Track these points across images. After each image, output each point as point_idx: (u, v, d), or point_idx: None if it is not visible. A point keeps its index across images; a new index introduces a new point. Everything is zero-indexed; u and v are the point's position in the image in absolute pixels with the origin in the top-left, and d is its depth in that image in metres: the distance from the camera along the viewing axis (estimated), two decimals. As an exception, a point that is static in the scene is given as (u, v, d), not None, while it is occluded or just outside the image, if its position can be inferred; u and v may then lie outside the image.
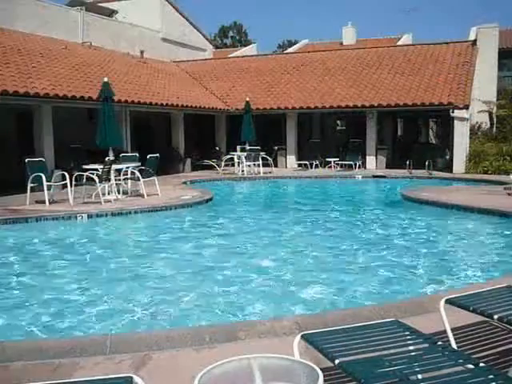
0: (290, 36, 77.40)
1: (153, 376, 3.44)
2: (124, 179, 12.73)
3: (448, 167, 18.60)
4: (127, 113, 17.97)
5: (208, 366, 2.30)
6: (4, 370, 3.60)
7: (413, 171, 17.90)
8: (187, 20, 29.65)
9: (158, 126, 22.40)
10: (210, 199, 12.63)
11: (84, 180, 11.51)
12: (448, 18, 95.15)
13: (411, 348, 2.88)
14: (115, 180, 12.29)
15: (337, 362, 2.65)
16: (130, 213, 10.71)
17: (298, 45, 37.16)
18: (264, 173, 18.68)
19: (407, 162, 18.06)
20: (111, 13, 26.45)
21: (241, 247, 8.35)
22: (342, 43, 32.54)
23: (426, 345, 2.90)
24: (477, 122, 20.87)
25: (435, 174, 17.63)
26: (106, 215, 10.38)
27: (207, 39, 32.91)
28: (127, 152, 15.80)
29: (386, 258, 7.40)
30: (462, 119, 18.08)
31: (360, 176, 18.02)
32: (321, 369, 2.28)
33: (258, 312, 5.26)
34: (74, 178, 11.52)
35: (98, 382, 2.49)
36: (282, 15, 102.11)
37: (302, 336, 2.99)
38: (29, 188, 11.16)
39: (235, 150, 20.15)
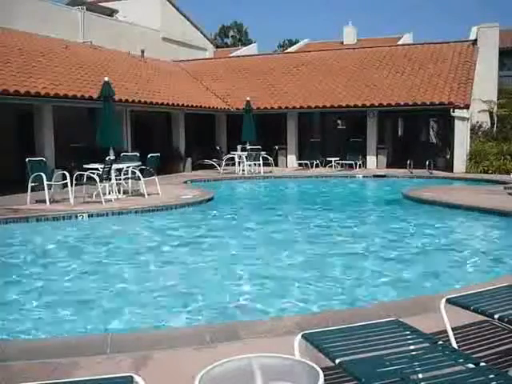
0: (290, 36, 77.37)
1: (153, 376, 3.44)
2: (125, 179, 12.73)
3: (448, 167, 18.59)
4: (128, 112, 17.99)
5: (208, 366, 2.30)
6: (4, 370, 3.60)
7: (413, 171, 17.90)
8: (188, 19, 29.65)
9: (159, 126, 22.41)
10: (211, 199, 12.63)
11: (84, 179, 11.51)
12: (448, 18, 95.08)
13: (412, 347, 2.88)
14: (116, 179, 12.29)
15: (337, 361, 2.64)
16: (130, 212, 10.71)
17: (298, 44, 37.13)
18: (264, 172, 18.67)
19: (408, 162, 18.05)
20: (112, 12, 26.47)
21: (242, 245, 8.34)
22: (342, 43, 32.52)
23: (427, 344, 2.90)
24: (477, 122, 20.85)
25: (436, 173, 17.63)
26: (107, 215, 10.38)
27: (208, 39, 32.90)
28: (128, 151, 15.80)
29: (386, 256, 7.40)
30: (463, 119, 18.07)
31: (361, 175, 18.02)
32: (321, 368, 2.28)
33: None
34: (74, 177, 11.52)
35: (98, 381, 2.49)
36: (282, 15, 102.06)
37: (303, 335, 2.98)
38: (29, 187, 11.15)
39: (236, 150, 20.15)
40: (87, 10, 22.99)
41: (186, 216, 11.09)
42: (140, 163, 13.12)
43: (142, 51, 23.70)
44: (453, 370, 2.58)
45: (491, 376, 2.49)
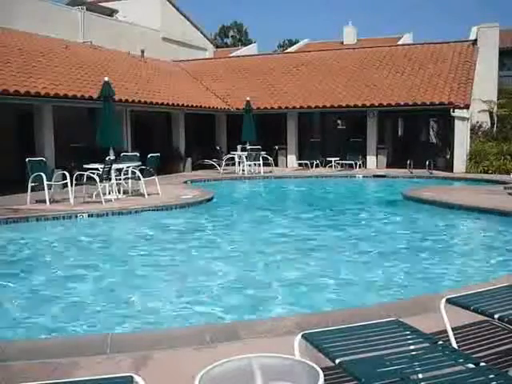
0: (290, 36, 77.41)
1: (153, 376, 3.44)
2: (125, 179, 12.73)
3: (448, 167, 18.59)
4: (128, 112, 17.99)
5: (208, 366, 2.30)
6: (4, 370, 3.60)
7: (413, 171, 17.90)
8: (188, 19, 29.65)
9: (159, 126, 22.40)
10: (211, 198, 12.63)
11: (84, 179, 11.51)
12: (448, 18, 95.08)
13: (412, 347, 2.87)
14: (116, 179, 12.29)
15: (337, 361, 2.64)
16: (130, 212, 10.71)
17: (298, 44, 37.12)
18: (264, 172, 18.67)
19: (408, 162, 18.05)
20: (111, 12, 26.47)
21: (243, 244, 8.34)
22: (342, 43, 32.52)
23: (427, 344, 2.90)
24: (477, 122, 20.85)
25: (436, 173, 17.63)
26: (107, 215, 10.38)
27: (208, 39, 32.90)
28: (128, 151, 15.80)
29: (385, 257, 7.40)
30: (463, 119, 18.07)
31: (360, 175, 18.02)
32: (321, 368, 2.28)
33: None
34: (74, 177, 11.52)
35: (98, 381, 2.49)
36: (282, 15, 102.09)
37: (303, 335, 2.98)
38: (29, 187, 11.15)
39: (236, 150, 20.15)
40: (87, 10, 22.99)
41: (186, 216, 11.08)
42: (140, 163, 13.12)
43: (142, 51, 23.70)
44: (453, 369, 2.58)
45: (491, 376, 2.49)
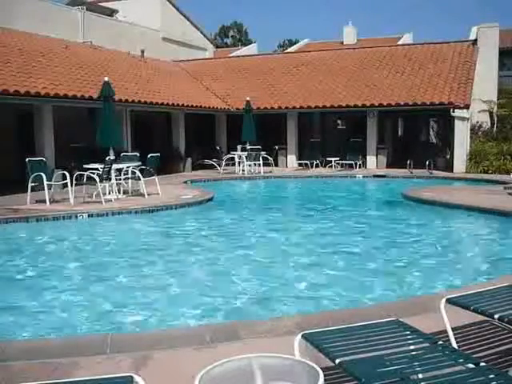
0: (290, 36, 77.48)
1: (153, 376, 3.44)
2: (125, 179, 12.73)
3: (448, 167, 18.59)
4: (128, 112, 17.99)
5: (208, 366, 2.30)
6: (4, 370, 3.60)
7: (413, 171, 17.90)
8: (188, 19, 29.66)
9: (159, 126, 22.40)
10: (211, 198, 12.63)
11: (84, 179, 11.51)
12: (448, 18, 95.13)
13: (412, 347, 2.87)
14: (116, 179, 12.29)
15: (337, 361, 2.64)
16: (130, 212, 10.71)
17: (298, 44, 37.14)
18: (264, 172, 18.67)
19: (408, 162, 18.05)
20: (112, 12, 26.47)
21: (243, 244, 8.34)
22: (342, 43, 32.53)
23: (427, 344, 2.90)
24: (477, 122, 20.85)
25: (436, 173, 17.63)
26: (107, 215, 10.38)
27: (208, 39, 32.91)
28: (128, 151, 15.80)
29: (387, 257, 7.40)
30: (463, 119, 18.07)
31: (360, 175, 18.02)
32: (321, 368, 2.28)
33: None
34: (74, 177, 11.52)
35: (98, 381, 2.49)
36: (282, 15, 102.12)
37: (303, 335, 2.98)
38: (29, 187, 11.15)
39: (236, 150, 20.16)
40: (87, 10, 22.99)
41: (186, 216, 11.08)
42: (140, 163, 13.12)
43: (142, 51, 23.70)
44: (453, 369, 2.58)
45: (491, 376, 2.49)
